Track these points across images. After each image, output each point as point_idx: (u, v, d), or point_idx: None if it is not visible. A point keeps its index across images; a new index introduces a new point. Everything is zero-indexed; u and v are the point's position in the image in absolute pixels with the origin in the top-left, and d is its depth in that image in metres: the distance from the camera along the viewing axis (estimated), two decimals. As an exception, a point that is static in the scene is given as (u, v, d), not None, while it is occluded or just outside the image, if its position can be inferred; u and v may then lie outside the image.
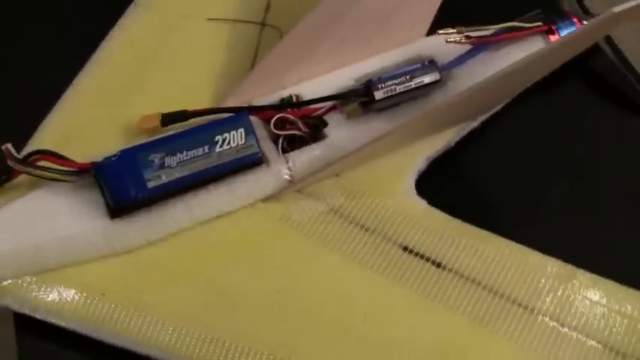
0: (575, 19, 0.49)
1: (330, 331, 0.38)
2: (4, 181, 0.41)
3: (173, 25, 0.50)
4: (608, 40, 0.50)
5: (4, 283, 0.38)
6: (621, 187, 0.47)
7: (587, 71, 0.50)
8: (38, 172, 0.40)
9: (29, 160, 0.40)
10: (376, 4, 0.44)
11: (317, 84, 0.45)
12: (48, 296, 0.38)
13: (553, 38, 0.48)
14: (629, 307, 0.40)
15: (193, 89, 0.46)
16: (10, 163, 0.40)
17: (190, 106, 0.43)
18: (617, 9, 0.34)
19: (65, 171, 0.40)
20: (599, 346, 0.38)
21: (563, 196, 0.46)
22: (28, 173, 0.40)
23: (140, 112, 0.44)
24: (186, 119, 0.43)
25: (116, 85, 0.47)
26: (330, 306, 0.38)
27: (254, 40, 0.50)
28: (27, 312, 0.38)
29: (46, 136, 0.43)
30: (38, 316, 0.38)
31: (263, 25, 0.50)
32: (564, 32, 0.48)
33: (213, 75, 0.48)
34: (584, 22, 0.48)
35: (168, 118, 0.43)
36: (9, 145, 0.40)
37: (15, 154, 0.40)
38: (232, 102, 0.44)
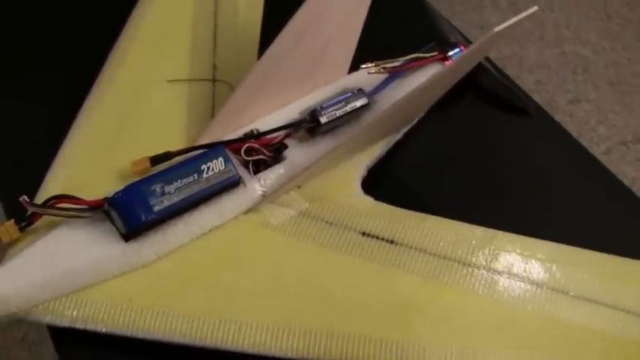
0: (463, 47, 0.62)
1: (315, 302, 0.47)
2: (25, 227, 0.49)
3: (139, 89, 0.59)
4: (488, 59, 0.64)
5: (45, 304, 0.46)
6: (518, 175, 0.59)
7: (477, 87, 0.63)
8: (59, 212, 0.48)
9: (49, 204, 0.48)
10: (306, 54, 0.56)
11: (270, 119, 0.56)
12: (83, 309, 0.46)
13: (447, 63, 0.61)
14: (539, 254, 0.51)
15: (167, 137, 0.56)
16: (32, 209, 0.48)
17: (165, 150, 0.52)
18: (497, 28, 0.47)
19: (80, 209, 0.48)
20: (523, 284, 0.49)
21: (475, 184, 0.58)
22: (50, 214, 0.48)
23: (127, 160, 0.53)
24: (171, 158, 0.52)
25: (102, 142, 0.56)
26: (313, 283, 0.48)
27: (209, 93, 0.60)
28: (67, 325, 0.46)
29: (53, 187, 0.52)
30: (78, 326, 0.46)
31: (214, 81, 0.61)
32: (456, 55, 0.61)
33: (180, 125, 0.57)
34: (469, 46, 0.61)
35: (156, 159, 0.52)
36: (25, 197, 0.49)
37: (34, 202, 0.49)
38: (203, 142, 0.54)
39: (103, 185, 0.50)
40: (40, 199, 0.50)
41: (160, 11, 0.67)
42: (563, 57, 1.70)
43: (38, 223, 0.49)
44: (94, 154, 0.55)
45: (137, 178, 0.51)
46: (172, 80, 0.60)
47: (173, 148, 0.53)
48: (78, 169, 0.54)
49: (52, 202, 0.49)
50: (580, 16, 1.78)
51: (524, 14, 0.49)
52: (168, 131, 0.57)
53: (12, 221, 0.49)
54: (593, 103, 1.61)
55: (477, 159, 0.59)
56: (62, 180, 0.53)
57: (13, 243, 0.49)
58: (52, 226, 0.49)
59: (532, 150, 0.60)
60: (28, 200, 0.49)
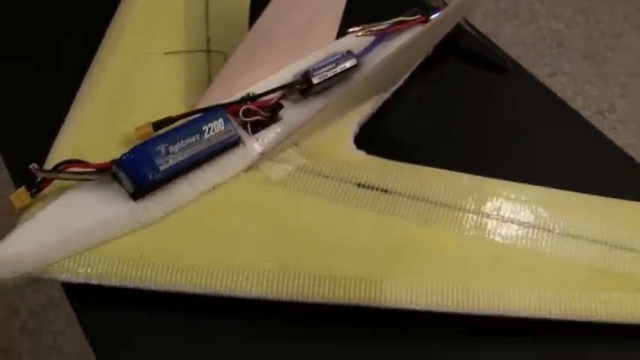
0: (441, 9, 0.65)
1: (317, 248, 0.50)
2: (36, 192, 0.51)
3: (138, 61, 0.62)
4: (467, 22, 0.67)
5: (60, 263, 0.48)
6: (501, 126, 0.62)
7: (458, 47, 0.66)
8: (68, 176, 0.51)
9: (59, 169, 0.51)
10: (295, 21, 0.58)
11: (264, 84, 0.59)
12: (97, 266, 0.49)
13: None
14: (524, 196, 0.54)
15: (167, 105, 0.58)
16: (42, 175, 0.51)
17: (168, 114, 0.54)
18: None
19: (89, 172, 0.51)
20: (511, 224, 0.52)
21: (460, 137, 0.61)
22: (61, 179, 0.51)
23: (131, 127, 0.55)
24: (172, 123, 0.55)
25: (106, 111, 0.58)
26: (314, 231, 0.51)
27: (205, 63, 0.63)
28: (82, 281, 0.48)
29: (60, 154, 0.54)
30: (93, 282, 0.48)
31: (209, 51, 0.64)
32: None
33: (179, 94, 0.60)
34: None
35: (158, 124, 0.55)
36: (34, 164, 0.51)
37: (44, 168, 0.51)
38: (202, 107, 0.56)
39: (108, 150, 0.53)
40: (48, 165, 0.53)
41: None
42: (539, 32, 1.74)
43: (48, 189, 0.52)
44: (99, 122, 0.57)
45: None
46: (169, 52, 0.63)
47: (170, 114, 0.55)
48: (84, 137, 0.56)
49: (61, 167, 0.51)
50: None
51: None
52: (168, 100, 0.59)
53: (23, 188, 0.51)
54: (569, 75, 1.65)
55: (461, 113, 0.63)
56: (69, 147, 0.55)
57: (25, 209, 0.51)
58: (61, 191, 0.51)
59: (512, 103, 0.64)
60: (37, 167, 0.51)
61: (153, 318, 0.49)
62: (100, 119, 0.58)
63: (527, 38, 1.70)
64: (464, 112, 0.63)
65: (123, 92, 0.60)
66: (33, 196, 0.51)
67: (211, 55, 0.63)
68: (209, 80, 0.61)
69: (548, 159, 0.60)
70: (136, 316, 0.49)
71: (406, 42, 0.55)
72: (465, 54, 0.66)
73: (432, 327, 0.48)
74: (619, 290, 0.48)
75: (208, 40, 0.64)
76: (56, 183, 0.52)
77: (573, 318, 0.47)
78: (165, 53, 0.63)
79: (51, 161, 0.54)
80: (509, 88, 0.64)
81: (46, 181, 0.51)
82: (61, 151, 0.55)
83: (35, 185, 0.51)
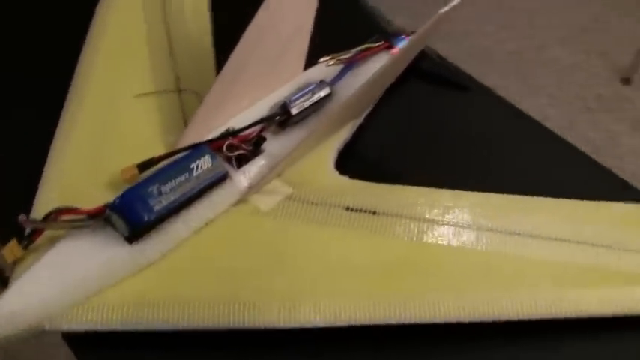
0: (404, 35, 0.68)
1: (315, 271, 0.51)
2: (27, 245, 0.51)
3: (112, 104, 0.62)
4: (428, 47, 0.70)
5: (62, 313, 0.48)
6: (468, 141, 0.65)
7: (420, 71, 0.69)
8: (61, 225, 0.51)
9: (50, 219, 0.51)
10: (265, 56, 0.60)
11: (242, 118, 0.60)
12: (100, 312, 0.48)
13: (393, 51, 0.66)
14: (504, 206, 0.57)
15: (145, 147, 0.58)
16: (33, 226, 0.51)
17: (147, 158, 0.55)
18: (444, 10, 0.53)
19: (81, 219, 0.51)
20: (499, 233, 0.55)
21: (432, 154, 0.64)
22: (53, 228, 0.51)
23: (113, 171, 0.55)
24: (156, 163, 0.55)
25: (85, 158, 0.58)
26: (310, 256, 0.52)
27: (177, 102, 0.64)
28: (85, 329, 0.48)
29: (47, 202, 0.54)
30: (96, 329, 0.48)
31: (179, 90, 0.64)
32: (399, 45, 0.67)
33: (155, 134, 0.61)
34: (412, 34, 0.67)
35: (143, 166, 0.55)
36: (23, 215, 0.51)
37: (34, 219, 0.51)
38: (184, 145, 0.57)
39: (94, 195, 0.53)
40: (36, 214, 0.53)
41: (115, 29, 0.70)
42: (471, 49, 1.81)
43: (39, 240, 0.51)
44: (80, 170, 0.57)
45: (127, 186, 0.54)
46: (140, 94, 0.63)
47: (153, 155, 0.56)
48: (67, 183, 0.56)
49: (52, 216, 0.51)
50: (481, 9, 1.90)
51: (454, 2, 0.55)
52: (145, 141, 0.60)
53: (14, 240, 0.51)
54: (502, 90, 1.71)
55: (430, 132, 0.65)
56: (54, 194, 0.55)
57: (18, 262, 0.51)
58: (54, 240, 0.51)
59: (476, 118, 0.67)
60: (26, 218, 0.51)
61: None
62: (82, 164, 0.58)
63: (459, 55, 1.76)
64: (433, 130, 0.65)
65: (101, 136, 0.60)
66: (25, 248, 0.51)
67: (182, 93, 0.64)
68: (184, 119, 0.62)
69: (516, 168, 0.63)
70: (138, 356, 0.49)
71: (379, 69, 0.57)
72: (426, 75, 0.69)
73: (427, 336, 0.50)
74: (609, 286, 0.51)
75: (178, 79, 0.65)
76: (48, 232, 0.51)
77: (568, 315, 0.50)
78: (137, 95, 0.63)
79: (38, 210, 0.54)
80: (471, 104, 0.68)
81: (37, 232, 0.51)
82: (46, 199, 0.55)
83: (26, 237, 0.51)
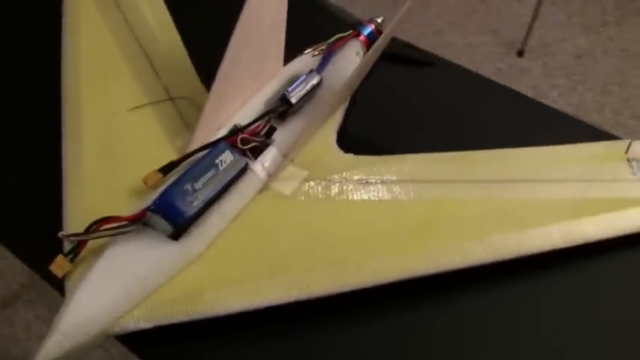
0: (367, 23, 0.73)
1: (347, 239, 0.56)
2: (74, 257, 0.53)
3: (110, 121, 0.64)
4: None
5: (127, 314, 0.50)
6: (439, 110, 0.72)
7: (389, 54, 0.74)
8: (104, 233, 0.53)
9: (92, 229, 0.53)
10: (251, 57, 0.64)
11: (242, 114, 0.64)
12: (161, 308, 0.51)
13: (361, 37, 0.72)
14: (502, 160, 0.64)
15: (153, 154, 0.61)
16: (77, 239, 0.53)
17: (161, 164, 0.58)
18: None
19: (122, 225, 0.53)
20: (508, 182, 0.61)
21: (413, 124, 0.70)
22: (97, 237, 0.53)
23: (129, 180, 0.58)
24: (177, 166, 0.58)
25: (100, 173, 0.60)
26: (339, 227, 0.57)
27: (173, 109, 0.66)
28: (150, 326, 0.50)
29: (75, 219, 0.56)
30: (163, 323, 0.51)
31: (172, 99, 0.67)
32: (366, 32, 0.72)
33: (161, 141, 0.63)
34: (377, 21, 0.73)
35: (165, 169, 0.58)
36: (63, 233, 0.53)
37: (76, 232, 0.53)
38: (196, 146, 0.60)
39: (117, 206, 0.55)
40: (68, 231, 0.55)
41: (89, 55, 0.72)
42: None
43: (83, 253, 0.53)
44: (98, 187, 0.59)
45: (150, 191, 0.56)
46: (134, 108, 0.66)
47: (164, 161, 0.59)
48: (89, 200, 0.58)
49: (94, 228, 0.53)
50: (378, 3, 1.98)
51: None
52: (152, 149, 0.62)
53: (61, 256, 0.52)
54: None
55: (409, 105, 0.71)
56: (80, 211, 0.57)
57: (66, 276, 0.53)
58: (98, 251, 0.53)
59: (446, 87, 0.73)
60: (68, 234, 0.53)
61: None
62: (98, 181, 0.60)
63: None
64: (411, 104, 0.71)
65: (109, 153, 0.62)
66: (72, 261, 0.53)
67: (176, 101, 0.67)
68: (184, 123, 0.65)
69: (490, 127, 0.70)
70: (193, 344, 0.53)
71: (368, 54, 0.63)
72: (395, 57, 0.75)
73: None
74: (603, 212, 0.58)
75: (167, 89, 0.68)
76: (89, 246, 0.53)
77: (576, 243, 0.57)
78: (132, 109, 0.66)
79: (70, 228, 0.56)
80: (439, 77, 0.74)
81: (81, 245, 0.53)
82: (74, 215, 0.57)
83: (70, 252, 0.53)
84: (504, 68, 1.87)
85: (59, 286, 0.53)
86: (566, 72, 1.87)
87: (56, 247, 0.54)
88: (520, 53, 1.92)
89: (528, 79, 1.82)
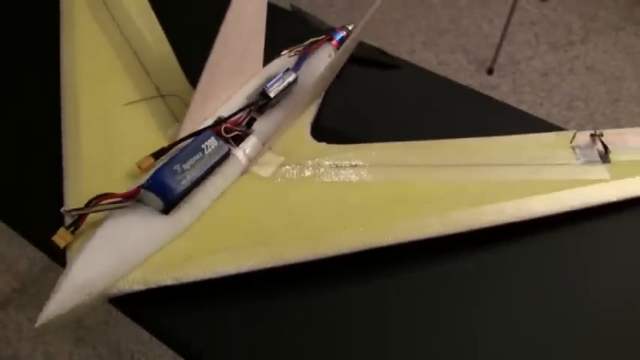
0: (339, 29, 0.81)
1: (319, 214, 0.62)
2: (74, 230, 0.59)
3: (107, 114, 0.71)
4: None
5: (124, 277, 0.57)
6: (404, 106, 0.79)
7: (357, 57, 0.82)
8: (103, 207, 0.59)
9: (91, 205, 0.59)
10: (234, 56, 0.70)
11: (226, 107, 0.71)
12: (155, 273, 0.57)
13: (334, 42, 0.79)
14: (466, 145, 0.71)
15: (146, 143, 0.67)
16: (79, 212, 0.59)
17: (153, 151, 0.64)
18: (376, 5, 0.66)
19: (119, 200, 0.60)
20: (469, 166, 0.68)
21: (380, 118, 0.77)
22: (97, 211, 0.59)
23: (125, 165, 0.65)
24: (168, 151, 0.65)
25: (98, 158, 0.67)
26: (312, 203, 0.63)
27: (163, 105, 0.73)
28: (144, 288, 0.57)
29: (76, 197, 0.62)
30: (153, 287, 0.57)
31: (163, 96, 0.74)
32: (337, 37, 0.80)
33: (153, 132, 0.70)
34: (348, 28, 0.80)
35: (157, 154, 0.64)
36: (65, 208, 0.60)
37: (77, 207, 0.59)
38: (186, 134, 0.67)
39: (114, 187, 0.61)
40: (69, 207, 0.61)
41: (86, 57, 0.79)
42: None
43: (83, 227, 0.60)
44: (96, 168, 0.66)
45: (142, 175, 0.63)
46: (129, 103, 0.72)
47: (156, 149, 0.65)
48: (88, 181, 0.65)
49: (95, 202, 0.59)
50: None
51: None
52: (146, 138, 0.69)
53: (63, 228, 0.59)
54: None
55: (374, 103, 0.78)
56: (80, 191, 0.63)
57: (67, 246, 0.59)
58: (97, 224, 0.59)
59: (409, 87, 0.81)
60: (69, 209, 0.59)
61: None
62: (96, 166, 0.66)
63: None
64: (376, 102, 0.79)
65: (105, 140, 0.69)
66: (73, 233, 0.59)
67: (166, 98, 0.74)
68: (174, 116, 0.72)
69: (448, 121, 0.77)
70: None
71: (337, 55, 0.70)
72: (363, 60, 0.82)
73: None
74: (550, 191, 0.66)
75: (157, 88, 0.75)
76: (88, 220, 0.59)
77: (527, 218, 0.64)
78: (126, 104, 0.72)
79: (70, 204, 0.62)
80: (403, 77, 0.82)
81: (81, 218, 0.59)
82: (74, 195, 0.63)
83: (71, 225, 0.59)
84: (475, 85, 1.96)
85: (58, 258, 0.59)
86: (533, 88, 1.96)
87: (57, 226, 0.59)
88: (490, 71, 2.01)
89: (497, 95, 1.90)
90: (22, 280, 1.35)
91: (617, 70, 2.03)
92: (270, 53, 0.78)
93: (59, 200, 0.63)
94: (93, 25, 0.84)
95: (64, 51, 0.80)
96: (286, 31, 0.81)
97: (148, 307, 0.58)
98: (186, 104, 0.71)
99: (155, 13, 0.86)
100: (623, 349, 0.58)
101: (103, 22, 0.84)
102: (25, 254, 1.42)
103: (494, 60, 2.01)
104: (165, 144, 0.67)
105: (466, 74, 2.00)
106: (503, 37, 1.97)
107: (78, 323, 1.25)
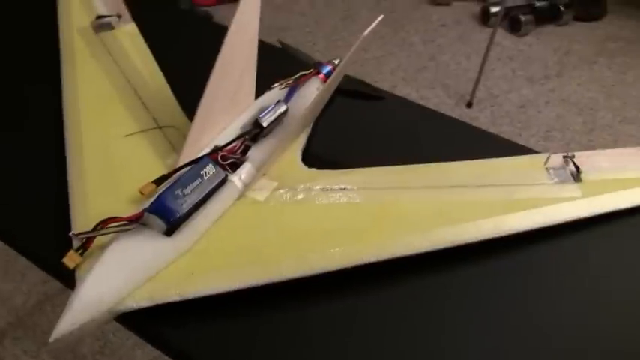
0: (325, 63, 0.86)
1: (311, 234, 0.67)
2: (83, 252, 0.63)
3: (109, 144, 0.76)
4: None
5: (131, 294, 0.61)
6: (389, 133, 0.84)
7: (345, 90, 0.87)
8: (110, 230, 0.63)
9: (99, 228, 0.63)
10: (228, 90, 0.76)
11: (222, 137, 0.75)
12: (160, 290, 0.61)
13: (321, 75, 0.85)
14: (440, 171, 0.76)
15: (147, 171, 0.71)
16: (86, 236, 0.63)
17: (153, 179, 0.68)
18: (367, 32, 0.71)
19: (125, 223, 0.64)
20: (446, 188, 0.73)
21: (365, 145, 0.82)
22: (104, 234, 0.63)
23: (127, 191, 0.69)
24: (168, 178, 0.69)
25: (102, 185, 0.71)
26: (304, 225, 0.68)
27: (162, 136, 0.78)
28: (151, 304, 0.60)
29: (83, 221, 0.66)
30: (167, 300, 0.61)
31: (160, 127, 0.79)
32: (325, 70, 0.85)
33: (152, 161, 0.74)
34: (334, 62, 0.86)
35: (158, 181, 0.69)
36: (74, 232, 0.64)
37: (84, 231, 0.63)
38: (185, 162, 0.71)
39: (118, 211, 0.65)
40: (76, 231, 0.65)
41: (87, 92, 0.83)
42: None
43: (90, 249, 0.64)
44: (100, 194, 0.70)
45: (144, 200, 0.67)
46: (129, 134, 0.77)
47: (156, 177, 0.70)
48: (93, 207, 0.69)
49: (101, 226, 0.63)
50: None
51: (375, 23, 0.74)
52: (146, 167, 0.73)
53: (72, 250, 0.63)
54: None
55: (361, 131, 0.83)
56: (87, 215, 0.67)
57: (77, 267, 0.63)
58: (103, 246, 0.63)
59: (393, 117, 0.86)
60: (78, 232, 0.64)
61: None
62: (100, 193, 0.70)
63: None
64: (363, 130, 0.84)
65: (108, 169, 0.73)
66: (82, 255, 0.63)
67: (165, 130, 0.78)
68: (172, 147, 0.76)
69: (430, 148, 0.82)
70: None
71: (325, 86, 0.75)
72: (348, 92, 0.88)
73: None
74: (525, 209, 0.71)
75: (155, 120, 0.80)
76: (95, 243, 0.63)
77: (501, 235, 0.68)
78: (127, 135, 0.77)
79: (77, 228, 0.66)
80: (387, 108, 0.87)
81: (89, 241, 0.63)
82: (80, 220, 0.67)
83: (80, 247, 0.63)
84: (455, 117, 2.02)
85: (66, 280, 0.63)
86: (511, 120, 2.03)
87: (63, 249, 0.63)
88: (469, 104, 2.08)
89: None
90: (17, 313, 1.37)
91: (591, 102, 2.11)
92: (261, 86, 0.82)
93: (64, 225, 0.67)
94: (92, 60, 0.89)
95: (65, 84, 0.85)
96: (275, 66, 0.86)
97: (153, 322, 0.62)
98: (183, 135, 0.76)
99: (154, 55, 0.90)
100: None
101: (101, 58, 0.89)
102: (19, 288, 1.45)
103: (473, 94, 2.07)
104: (163, 172, 0.71)
105: (446, 107, 2.07)
106: (481, 72, 2.04)
107: (74, 354, 1.27)
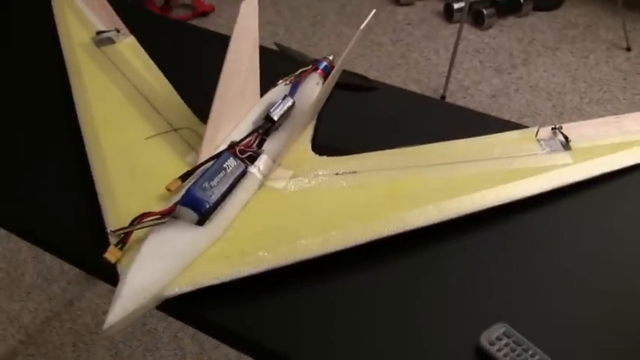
0: (322, 60, 0.92)
1: (329, 215, 0.72)
2: (122, 246, 0.68)
3: (130, 148, 0.80)
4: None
5: (174, 280, 0.65)
6: (386, 120, 0.90)
7: (342, 84, 0.92)
8: (146, 224, 0.68)
9: (135, 223, 0.68)
10: (236, 89, 0.81)
11: (236, 133, 0.80)
12: (200, 275, 0.66)
13: (319, 70, 0.90)
14: (442, 150, 0.82)
15: (170, 169, 0.76)
16: (124, 231, 0.68)
17: (176, 176, 0.74)
18: (363, 26, 0.77)
19: (158, 217, 0.69)
20: (448, 164, 0.79)
21: (366, 132, 0.87)
22: (140, 228, 0.68)
23: (154, 190, 0.74)
24: (192, 174, 0.74)
25: (129, 186, 0.76)
26: (321, 206, 0.73)
27: (179, 137, 0.83)
28: (193, 289, 0.65)
29: (116, 220, 0.70)
30: (207, 284, 0.65)
31: (176, 130, 0.84)
32: (321, 66, 0.91)
33: (174, 159, 0.79)
34: (329, 58, 0.92)
35: (184, 176, 0.74)
36: (111, 229, 0.68)
37: (120, 227, 0.68)
38: (205, 158, 0.76)
39: (145, 209, 0.70)
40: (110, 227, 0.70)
41: (100, 101, 0.88)
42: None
43: (128, 243, 0.68)
44: (129, 193, 0.75)
45: (172, 195, 0.72)
46: (148, 137, 0.82)
47: (178, 174, 0.75)
48: (124, 206, 0.73)
49: (137, 221, 0.68)
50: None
51: (369, 17, 0.80)
52: (168, 165, 0.78)
53: (112, 246, 0.67)
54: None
55: (360, 119, 0.89)
56: (118, 214, 0.72)
57: (118, 261, 0.67)
58: (140, 240, 0.68)
59: (387, 105, 0.92)
60: (115, 229, 0.68)
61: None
62: (127, 191, 0.75)
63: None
64: (362, 119, 0.89)
65: (132, 171, 0.78)
66: (121, 249, 0.67)
67: (180, 131, 0.83)
68: (189, 146, 0.81)
69: (425, 131, 0.88)
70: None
71: (326, 82, 0.81)
72: (348, 85, 0.94)
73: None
74: (523, 177, 0.77)
75: (169, 123, 0.85)
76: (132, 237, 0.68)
77: (503, 202, 0.74)
78: (146, 138, 0.82)
79: (112, 225, 0.70)
80: (382, 96, 0.93)
81: (127, 236, 0.68)
82: (113, 218, 0.72)
83: (119, 243, 0.68)
84: (431, 111, 2.09)
85: (103, 275, 0.68)
86: (484, 109, 2.10)
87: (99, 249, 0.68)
88: (442, 97, 2.15)
89: (453, 119, 2.05)
90: (26, 331, 1.40)
91: (558, 86, 2.19)
92: (263, 85, 0.88)
93: (95, 227, 0.72)
94: (98, 72, 0.93)
95: (76, 95, 0.89)
96: (276, 66, 0.91)
97: (194, 306, 0.67)
98: (198, 135, 0.81)
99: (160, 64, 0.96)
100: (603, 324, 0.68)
101: (107, 70, 0.94)
102: (26, 307, 1.47)
103: (445, 87, 2.15)
104: (184, 169, 0.76)
105: (421, 103, 2.13)
106: (451, 66, 2.12)
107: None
